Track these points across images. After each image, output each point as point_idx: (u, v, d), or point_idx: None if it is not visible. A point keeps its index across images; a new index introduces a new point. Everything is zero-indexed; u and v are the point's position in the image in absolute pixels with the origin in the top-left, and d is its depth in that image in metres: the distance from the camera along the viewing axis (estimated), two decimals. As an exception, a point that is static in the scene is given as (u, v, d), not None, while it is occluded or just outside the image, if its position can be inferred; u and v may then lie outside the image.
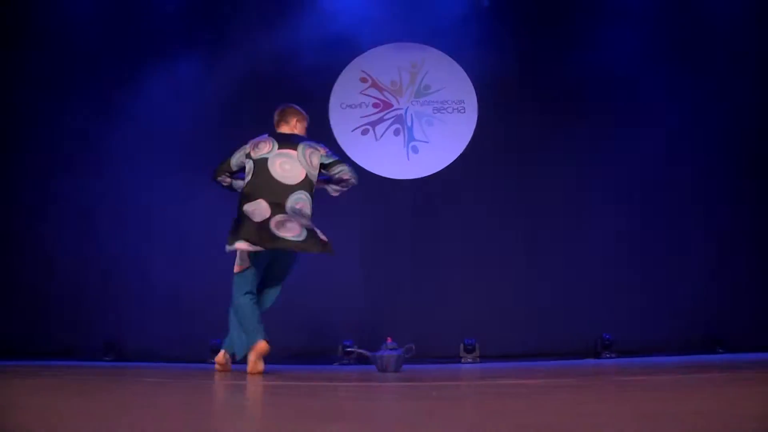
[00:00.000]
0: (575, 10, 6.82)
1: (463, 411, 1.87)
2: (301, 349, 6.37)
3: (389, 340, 4.40)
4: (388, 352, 4.27)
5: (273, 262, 4.28)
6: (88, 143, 6.91)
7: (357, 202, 6.44)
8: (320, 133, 6.75)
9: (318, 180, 4.36)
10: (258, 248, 3.99)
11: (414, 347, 4.46)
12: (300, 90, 6.71)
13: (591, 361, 5.86)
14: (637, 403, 1.97)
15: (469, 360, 6.03)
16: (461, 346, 6.11)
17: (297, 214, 4.09)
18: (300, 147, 4.31)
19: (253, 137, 4.63)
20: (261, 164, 4.24)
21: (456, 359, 6.08)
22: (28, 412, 1.84)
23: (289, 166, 4.21)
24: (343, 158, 4.57)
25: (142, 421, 1.67)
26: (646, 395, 2.23)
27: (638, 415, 1.62)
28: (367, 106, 6.86)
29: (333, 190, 4.51)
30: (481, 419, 1.65)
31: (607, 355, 5.96)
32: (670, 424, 1.48)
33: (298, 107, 4.68)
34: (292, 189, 4.16)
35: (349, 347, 6.03)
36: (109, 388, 2.86)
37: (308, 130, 4.79)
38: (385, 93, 6.86)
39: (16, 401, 2.19)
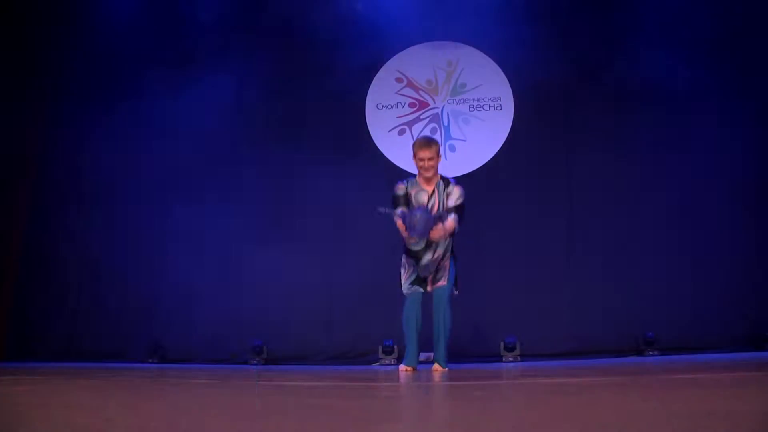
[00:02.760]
0: (612, 6, 6.73)
1: (513, 410, 1.86)
2: (342, 350, 6.40)
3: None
4: (419, 212, 4.19)
5: None
6: (133, 162, 7.04)
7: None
8: (357, 134, 6.81)
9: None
10: None
11: (444, 213, 4.35)
12: (336, 92, 6.77)
13: (634, 359, 5.78)
14: (689, 401, 1.94)
15: (510, 359, 6.00)
16: (501, 344, 6.07)
17: None
18: None
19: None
20: None
21: (497, 358, 6.05)
22: (83, 411, 1.89)
23: None
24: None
25: (191, 419, 1.70)
26: (696, 394, 2.20)
27: (692, 414, 1.60)
28: (403, 105, 6.86)
29: None
30: (536, 419, 1.65)
31: (650, 353, 5.86)
32: (722, 423, 1.45)
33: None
34: None
35: (389, 347, 6.05)
36: (158, 389, 2.91)
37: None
38: (421, 92, 6.86)
39: (73, 401, 2.24)
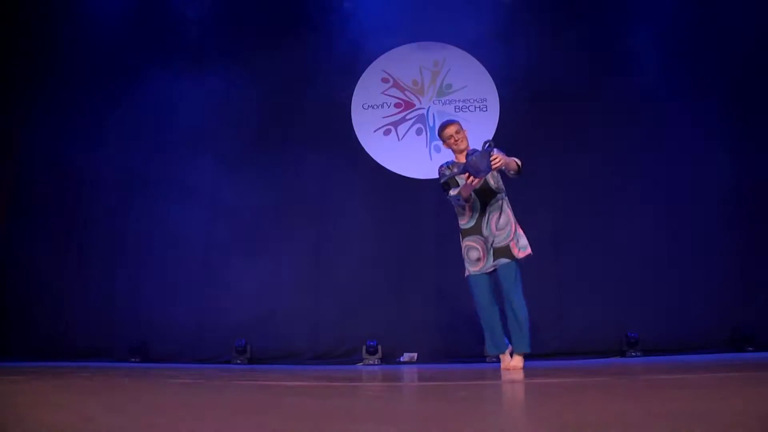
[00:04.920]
0: (598, 8, 6.78)
1: (495, 411, 1.86)
2: (326, 350, 6.40)
3: None
4: (472, 156, 4.03)
5: None
6: (117, 161, 7.00)
7: (381, 203, 6.47)
8: (342, 134, 6.81)
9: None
10: None
11: (491, 142, 4.11)
12: (322, 91, 6.77)
13: (617, 359, 5.81)
14: (669, 402, 1.95)
15: (494, 359, 6.00)
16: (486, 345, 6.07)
17: None
18: None
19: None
20: None
21: (480, 358, 6.06)
22: (63, 410, 1.87)
23: None
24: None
25: (168, 419, 1.69)
26: (676, 394, 2.21)
27: (671, 414, 1.61)
28: (389, 106, 6.86)
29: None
30: (518, 419, 1.65)
31: (633, 354, 5.90)
32: (703, 423, 1.46)
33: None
34: None
35: (372, 347, 6.04)
36: (139, 388, 2.89)
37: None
38: (407, 92, 6.86)
39: (53, 401, 2.22)
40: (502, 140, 6.60)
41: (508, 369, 4.28)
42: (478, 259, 4.37)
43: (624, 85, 6.52)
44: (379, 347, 6.08)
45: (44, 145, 7.07)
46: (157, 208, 6.76)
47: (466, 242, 4.43)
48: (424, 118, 6.80)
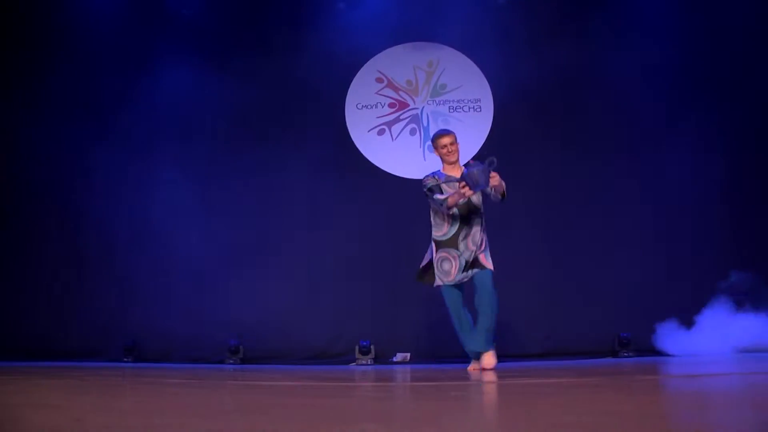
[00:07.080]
0: (592, 8, 6.77)
1: (487, 410, 1.86)
2: (319, 350, 6.39)
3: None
4: (475, 167, 4.03)
5: None
6: (110, 160, 6.97)
7: (374, 203, 6.47)
8: (336, 133, 6.80)
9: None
10: None
11: (495, 160, 4.08)
12: (316, 91, 6.77)
13: (609, 360, 5.82)
14: (659, 402, 1.95)
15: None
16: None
17: None
18: None
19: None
20: None
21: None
22: (53, 410, 1.86)
23: None
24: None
25: (162, 419, 1.68)
26: (669, 394, 2.22)
27: (663, 414, 1.62)
28: (383, 106, 6.85)
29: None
30: (510, 419, 1.65)
31: (625, 354, 5.91)
32: (697, 423, 1.47)
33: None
34: None
35: (365, 347, 6.04)
36: (130, 388, 2.88)
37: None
38: (401, 93, 6.86)
39: (43, 401, 2.21)
40: (496, 141, 6.65)
41: (486, 368, 4.32)
42: (449, 272, 4.40)
43: (621, 85, 6.52)
44: (372, 347, 6.07)
45: (42, 147, 7.03)
46: (151, 208, 6.74)
47: (441, 254, 4.45)
48: (418, 118, 6.80)
